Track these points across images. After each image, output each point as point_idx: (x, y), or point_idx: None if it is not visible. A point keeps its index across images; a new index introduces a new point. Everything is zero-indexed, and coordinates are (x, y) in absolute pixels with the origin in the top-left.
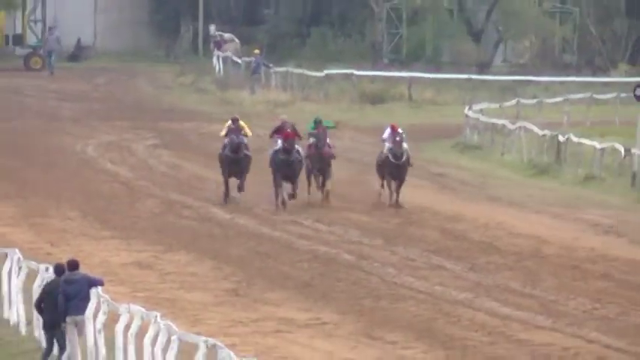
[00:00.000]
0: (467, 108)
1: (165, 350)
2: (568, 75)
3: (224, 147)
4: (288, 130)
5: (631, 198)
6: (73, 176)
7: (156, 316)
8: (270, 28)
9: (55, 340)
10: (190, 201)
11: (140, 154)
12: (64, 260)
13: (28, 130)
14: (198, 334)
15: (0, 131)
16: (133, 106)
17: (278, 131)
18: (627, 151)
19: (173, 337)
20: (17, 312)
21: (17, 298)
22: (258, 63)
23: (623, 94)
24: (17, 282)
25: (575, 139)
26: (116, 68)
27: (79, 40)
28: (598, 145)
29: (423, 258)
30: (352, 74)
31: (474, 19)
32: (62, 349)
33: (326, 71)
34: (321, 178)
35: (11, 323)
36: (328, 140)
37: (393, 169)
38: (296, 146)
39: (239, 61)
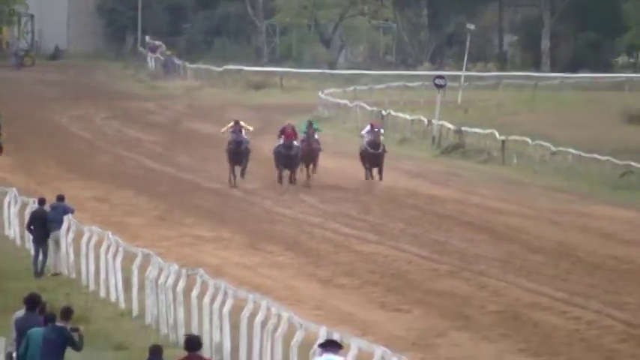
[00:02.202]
0: (320, 92)
1: (114, 257)
2: (389, 70)
3: (228, 143)
4: (289, 131)
5: (432, 154)
6: (52, 138)
7: (108, 234)
8: (187, 38)
9: (40, 250)
10: (132, 155)
11: (98, 123)
12: (45, 195)
13: (22, 106)
14: (137, 246)
15: (3, 107)
16: (93, 90)
17: (282, 132)
18: (429, 121)
19: (120, 248)
20: (14, 230)
21: (14, 221)
22: (171, 60)
23: (426, 83)
24: (14, 210)
25: (393, 113)
26: (82, 64)
27: (56, 46)
28: (409, 117)
29: (291, 194)
30: (242, 69)
31: (325, 31)
32: (45, 256)
33: (224, 67)
34: (311, 165)
35: (10, 238)
36: (316, 136)
37: (372, 157)
38: (295, 143)
39: (162, 58)
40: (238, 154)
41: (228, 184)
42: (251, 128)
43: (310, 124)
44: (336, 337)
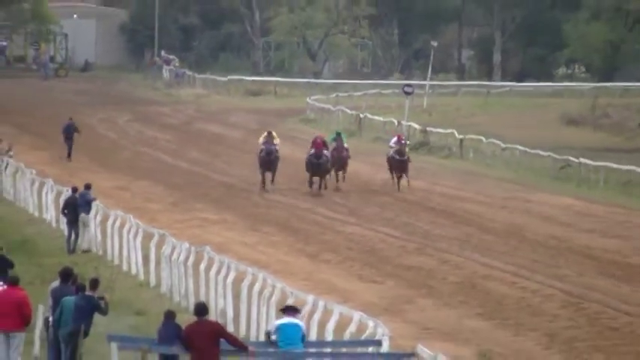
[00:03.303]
0: (308, 98)
1: (134, 237)
2: (365, 79)
3: (260, 151)
4: (319, 142)
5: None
6: (83, 137)
7: (130, 217)
8: (196, 53)
9: (72, 231)
10: (150, 151)
11: (121, 125)
12: (78, 185)
13: (57, 110)
14: (154, 227)
15: (41, 112)
16: (116, 97)
17: (313, 143)
18: (399, 122)
19: (139, 229)
20: (50, 214)
21: (50, 207)
22: (180, 71)
23: (396, 90)
24: (50, 197)
25: (369, 116)
26: (107, 76)
27: (86, 60)
28: (382, 119)
29: (284, 185)
30: (242, 79)
31: (312, 47)
32: (77, 236)
33: (228, 77)
34: (341, 172)
35: (47, 221)
36: (346, 145)
37: (398, 163)
38: (325, 152)
39: (174, 69)
40: (269, 161)
41: (260, 188)
42: (279, 141)
43: (338, 134)
44: (321, 304)
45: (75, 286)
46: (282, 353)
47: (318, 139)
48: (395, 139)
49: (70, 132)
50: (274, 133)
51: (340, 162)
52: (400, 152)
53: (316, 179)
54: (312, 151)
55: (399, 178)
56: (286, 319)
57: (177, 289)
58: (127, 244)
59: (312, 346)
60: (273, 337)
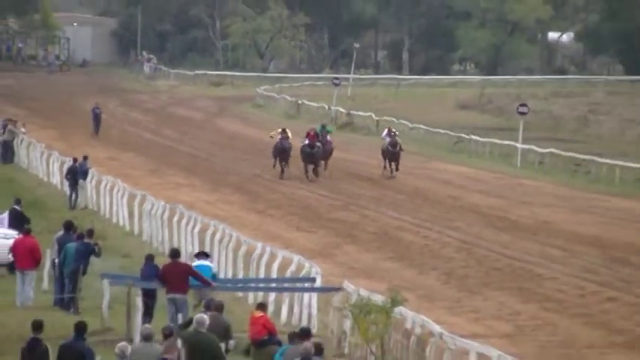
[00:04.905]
0: (257, 89)
1: (122, 196)
2: (303, 74)
3: (275, 144)
4: (312, 134)
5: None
6: (81, 118)
7: (118, 181)
8: (170, 52)
9: (73, 192)
10: (134, 129)
11: (111, 109)
12: (77, 156)
13: (61, 98)
14: (137, 189)
15: (49, 99)
16: (108, 87)
17: (307, 134)
18: (329, 107)
19: (126, 191)
20: (56, 179)
21: (56, 173)
22: (157, 67)
23: (327, 82)
24: (56, 165)
25: (306, 102)
26: (101, 71)
27: (84, 59)
28: (316, 105)
29: (239, 156)
30: (206, 73)
31: (260, 48)
32: (77, 196)
33: (195, 72)
34: (323, 162)
35: (53, 184)
36: (328, 138)
37: (392, 154)
38: (317, 143)
39: (153, 65)
40: (284, 152)
41: (278, 176)
42: (291, 135)
43: (323, 127)
44: (267, 249)
45: (75, 235)
46: (234, 282)
47: (311, 131)
48: (385, 131)
49: (96, 113)
50: (288, 130)
51: (324, 153)
52: (393, 144)
53: (309, 168)
54: (306, 141)
55: (391, 166)
56: (198, 262)
57: (155, 237)
58: (116, 202)
59: (261, 282)
60: None
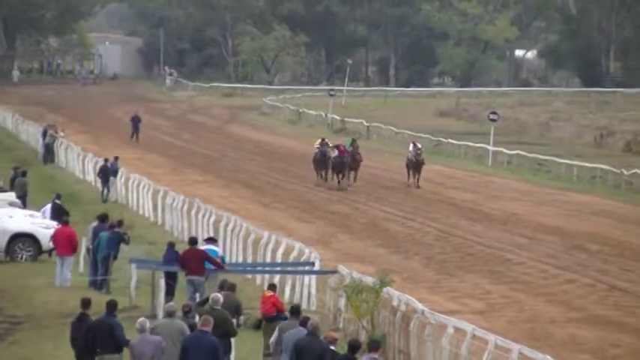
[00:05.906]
0: (264, 99)
1: (147, 191)
2: (304, 86)
3: (316, 154)
4: (342, 148)
5: (328, 134)
6: (111, 124)
7: (144, 178)
8: (188, 67)
9: (105, 187)
10: (157, 134)
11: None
12: (108, 157)
13: (94, 107)
14: (160, 185)
15: (84, 107)
16: (135, 97)
17: (337, 147)
18: (326, 115)
19: (151, 186)
20: (90, 177)
21: (90, 171)
22: (178, 80)
23: (324, 93)
24: (90, 165)
25: (306, 110)
26: (128, 83)
27: (114, 72)
28: (314, 112)
29: (247, 156)
30: (220, 85)
31: (267, 64)
32: (108, 191)
33: (210, 84)
34: (352, 172)
35: (88, 181)
36: (359, 150)
37: (415, 165)
38: (346, 155)
39: (174, 78)
40: (324, 161)
41: (316, 183)
42: (331, 145)
43: (354, 140)
44: (273, 237)
45: (108, 225)
46: (244, 266)
47: (341, 146)
48: (411, 145)
49: (136, 121)
50: (327, 140)
51: (354, 164)
52: (417, 156)
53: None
54: (337, 153)
55: (415, 177)
56: (207, 246)
57: (176, 227)
58: (142, 197)
59: (267, 266)
60: None
